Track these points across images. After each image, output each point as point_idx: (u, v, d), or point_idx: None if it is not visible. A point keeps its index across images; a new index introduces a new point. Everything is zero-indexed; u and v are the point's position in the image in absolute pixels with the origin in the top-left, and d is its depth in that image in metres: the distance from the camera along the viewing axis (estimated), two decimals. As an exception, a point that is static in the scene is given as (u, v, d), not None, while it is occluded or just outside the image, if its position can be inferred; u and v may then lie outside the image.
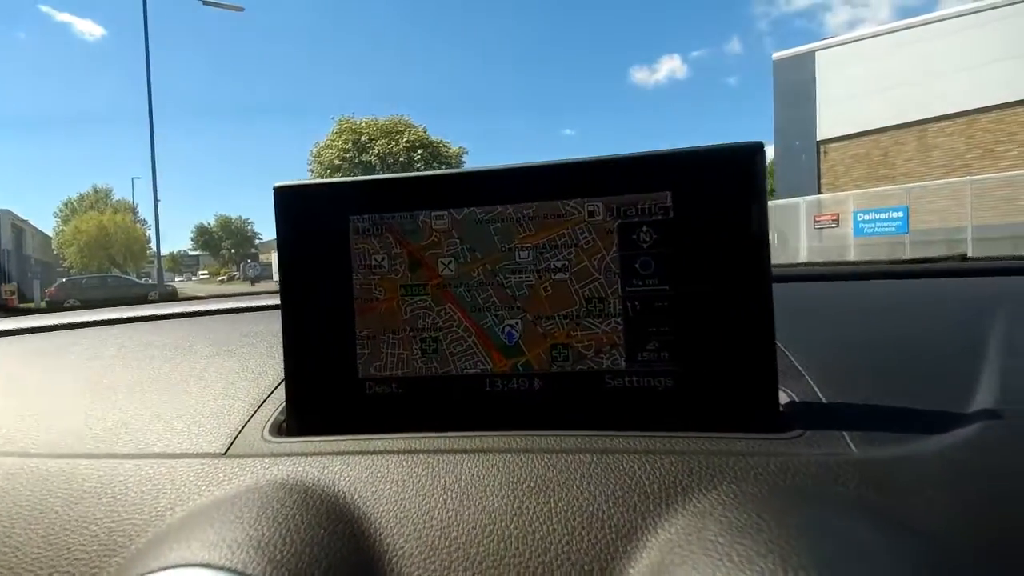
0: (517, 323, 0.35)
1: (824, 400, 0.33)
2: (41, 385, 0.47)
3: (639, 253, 0.33)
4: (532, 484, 0.28)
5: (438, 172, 0.37)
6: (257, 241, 43.94)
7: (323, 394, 0.36)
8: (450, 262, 0.35)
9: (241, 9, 15.82)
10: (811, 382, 0.35)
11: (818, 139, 12.87)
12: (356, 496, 0.29)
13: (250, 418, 0.37)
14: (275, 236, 0.37)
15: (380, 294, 0.36)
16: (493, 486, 0.28)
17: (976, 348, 0.37)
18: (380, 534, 0.27)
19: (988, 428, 0.29)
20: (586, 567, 0.24)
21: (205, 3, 15.08)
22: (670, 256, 0.33)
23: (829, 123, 12.64)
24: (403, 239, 0.36)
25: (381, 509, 0.28)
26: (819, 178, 12.90)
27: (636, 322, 0.34)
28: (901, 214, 10.18)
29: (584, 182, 0.34)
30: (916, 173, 11.35)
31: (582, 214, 0.34)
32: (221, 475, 0.31)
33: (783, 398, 0.34)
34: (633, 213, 0.33)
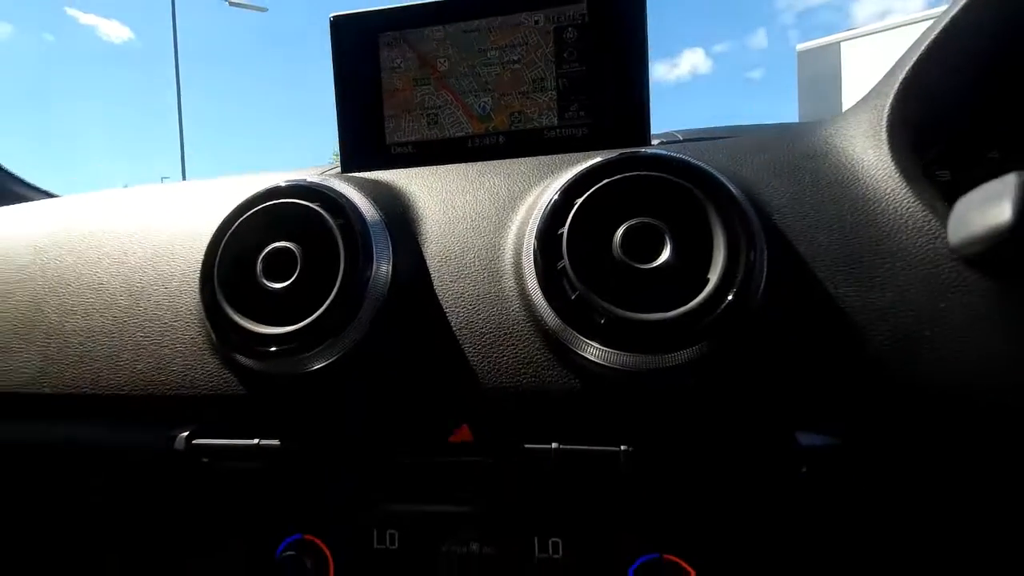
0: (488, 100, 0.53)
1: None
2: None
3: (566, 47, 0.51)
4: (491, 184, 0.46)
5: (437, 0, 0.55)
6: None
7: (363, 156, 0.55)
8: (445, 61, 0.54)
9: (265, 9, 16.47)
10: None
11: (843, 132, 12.65)
12: (401, 187, 0.47)
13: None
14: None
15: (399, 85, 0.54)
16: (465, 188, 0.46)
17: None
18: (411, 199, 0.45)
19: None
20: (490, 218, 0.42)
21: (231, 4, 15.71)
22: (585, 48, 0.51)
23: (854, 115, 12.42)
24: (414, 46, 0.54)
25: (412, 191, 0.46)
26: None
27: (564, 93, 0.51)
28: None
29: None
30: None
31: (530, 22, 0.52)
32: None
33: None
34: (563, 19, 0.51)
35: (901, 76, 0.37)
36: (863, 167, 0.37)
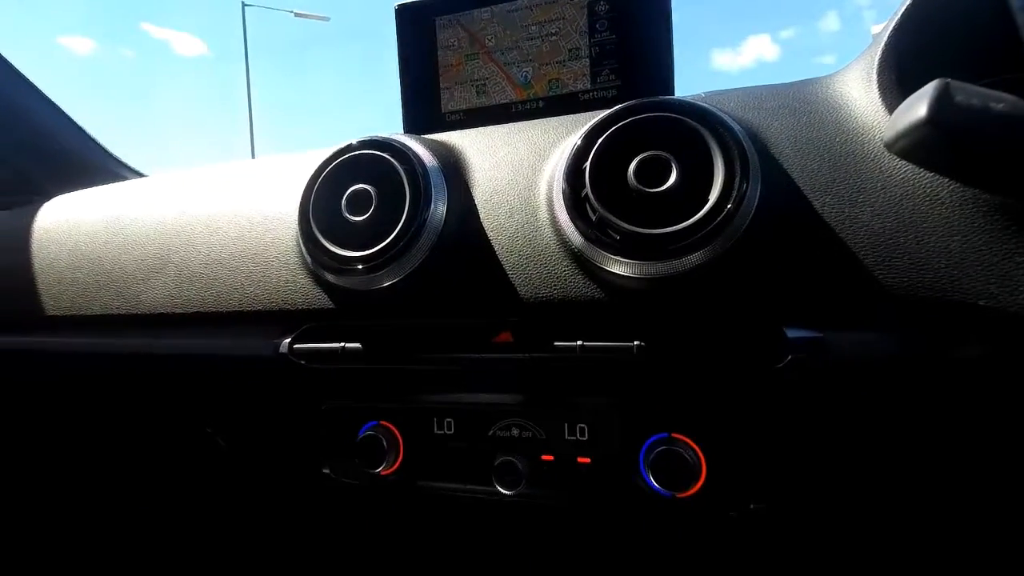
0: (529, 69, 0.61)
1: None
2: None
3: (598, 19, 0.58)
4: (528, 137, 0.54)
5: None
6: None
7: (422, 122, 0.65)
8: (492, 37, 0.62)
9: (327, 19, 17.35)
10: None
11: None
12: (453, 143, 0.56)
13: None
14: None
15: (453, 61, 0.63)
16: (506, 141, 0.54)
17: None
18: (462, 152, 0.54)
19: None
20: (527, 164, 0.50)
21: (296, 15, 16.63)
22: (616, 19, 0.58)
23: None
24: (466, 27, 0.63)
25: (463, 146, 0.55)
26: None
27: (596, 60, 0.59)
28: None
29: (567, -19, 0.59)
30: None
31: (566, 0, 0.59)
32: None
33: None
34: (595, -5, 0.58)
35: (890, 27, 0.42)
36: (855, 105, 0.42)
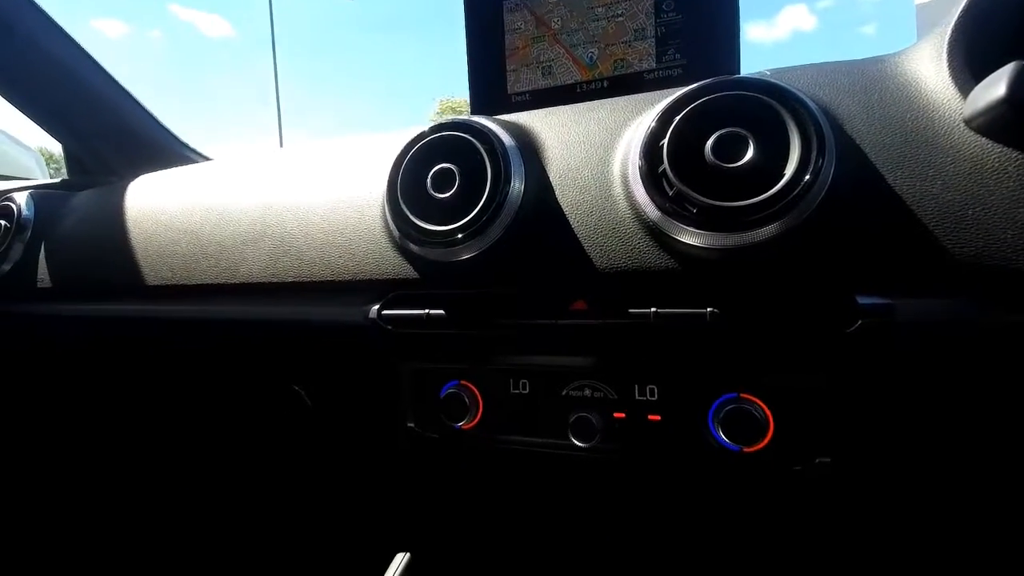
0: (595, 50, 0.63)
1: None
2: None
3: (664, 0, 0.60)
4: (598, 116, 0.57)
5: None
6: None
7: (489, 104, 0.68)
8: (558, 20, 0.64)
9: (354, -2, 17.28)
10: None
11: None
12: (526, 124, 0.59)
13: None
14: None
15: (519, 44, 0.66)
16: (577, 121, 0.57)
17: None
18: (535, 133, 0.57)
19: None
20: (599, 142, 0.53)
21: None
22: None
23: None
24: (532, 10, 0.65)
25: (535, 127, 0.58)
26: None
27: (662, 40, 0.60)
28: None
29: (633, -37, 0.61)
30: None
31: (633, -19, 0.61)
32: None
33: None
34: (661, -24, 0.60)
35: (959, 8, 0.43)
36: (925, 84, 0.44)
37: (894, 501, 0.55)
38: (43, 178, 1.11)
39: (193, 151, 1.24)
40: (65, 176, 1.13)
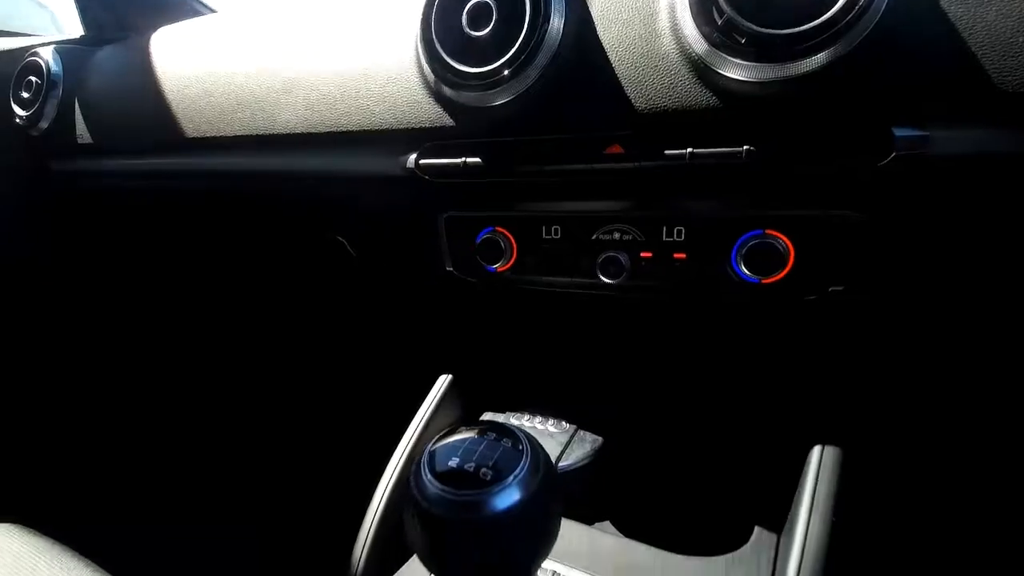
0: None
1: None
2: None
3: None
4: None
5: None
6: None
7: None
8: None
9: None
10: None
11: None
12: None
13: None
14: None
15: None
16: None
17: None
18: None
19: None
20: None
21: None
22: None
23: None
24: None
25: None
26: None
27: None
28: None
29: None
30: None
31: None
32: None
33: None
34: None
35: None
36: None
37: (901, 328, 0.60)
38: (60, 35, 1.08)
39: (201, 3, 1.18)
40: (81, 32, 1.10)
